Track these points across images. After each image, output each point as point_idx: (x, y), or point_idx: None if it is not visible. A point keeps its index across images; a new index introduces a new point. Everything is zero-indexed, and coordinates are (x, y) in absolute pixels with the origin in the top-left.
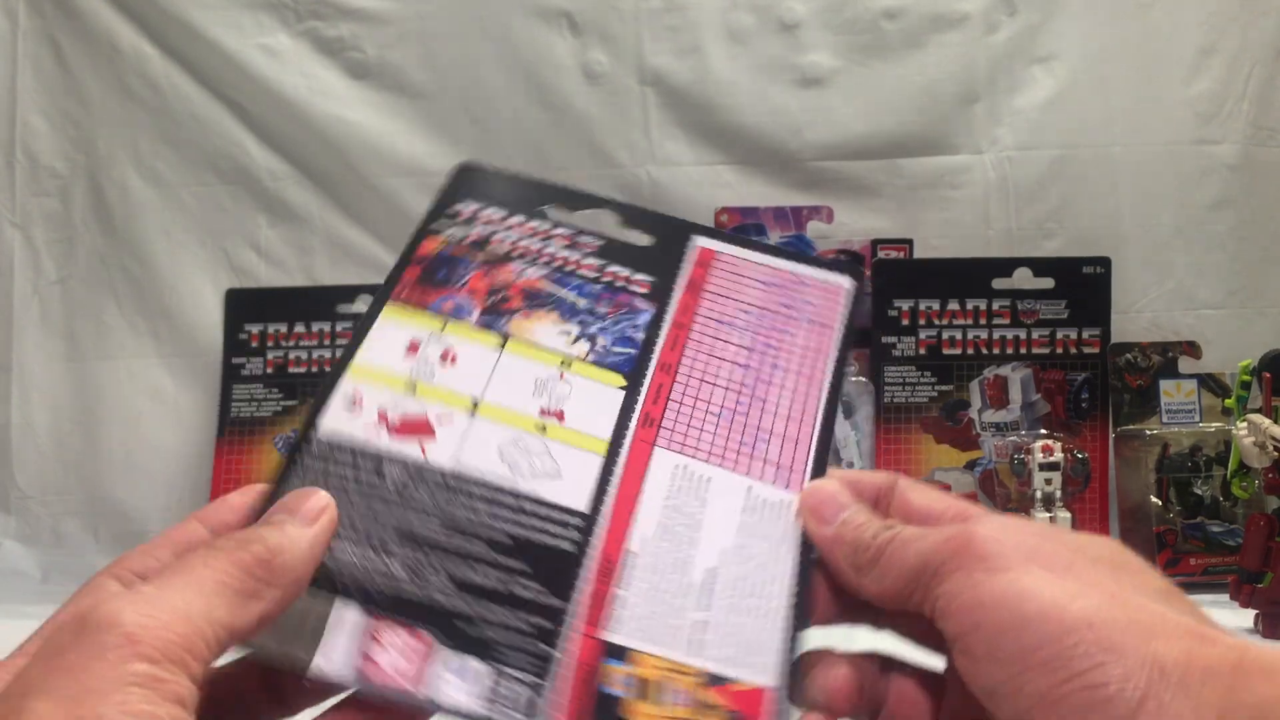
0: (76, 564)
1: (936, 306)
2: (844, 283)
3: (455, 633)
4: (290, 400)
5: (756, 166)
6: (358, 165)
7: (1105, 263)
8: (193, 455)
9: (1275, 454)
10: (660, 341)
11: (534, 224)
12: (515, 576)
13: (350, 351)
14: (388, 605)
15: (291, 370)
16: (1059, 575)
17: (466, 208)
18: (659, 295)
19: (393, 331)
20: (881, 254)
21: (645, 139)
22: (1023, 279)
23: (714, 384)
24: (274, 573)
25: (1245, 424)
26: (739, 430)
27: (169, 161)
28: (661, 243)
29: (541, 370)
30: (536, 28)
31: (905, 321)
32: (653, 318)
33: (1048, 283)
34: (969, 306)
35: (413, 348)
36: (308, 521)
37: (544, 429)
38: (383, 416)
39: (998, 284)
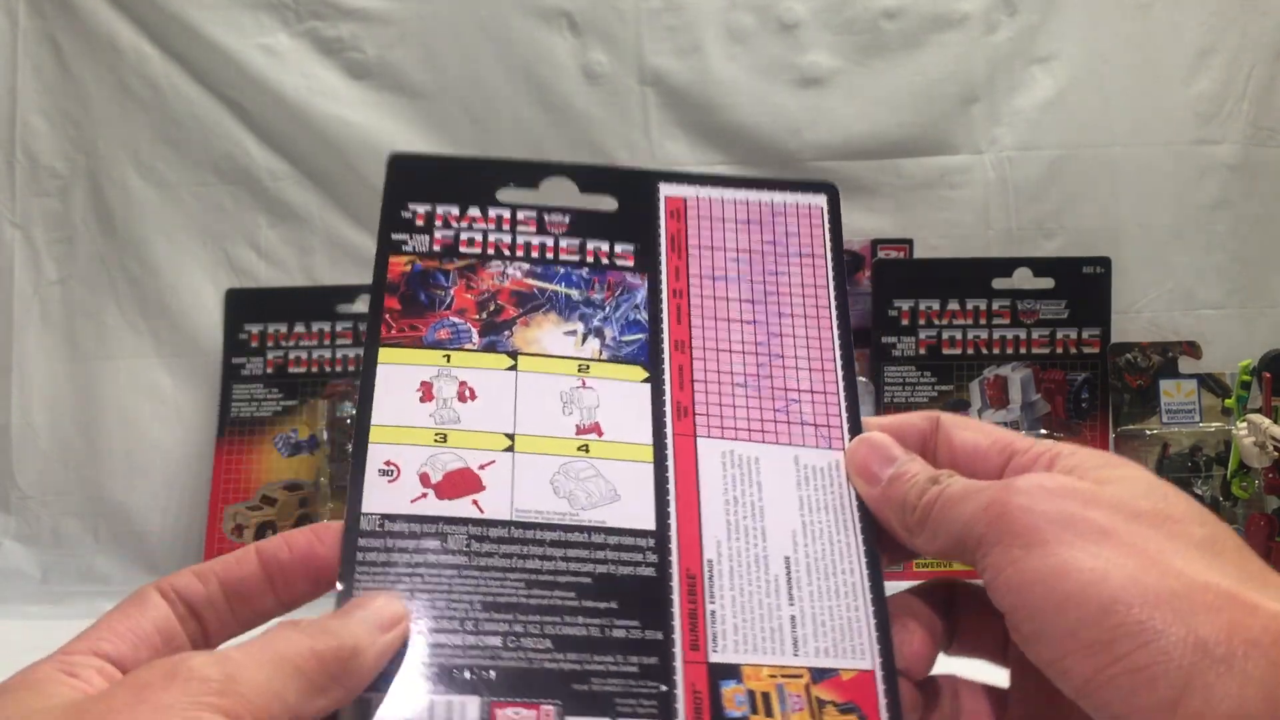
0: (76, 564)
1: (936, 306)
2: (819, 201)
3: (573, 696)
4: (290, 400)
5: (756, 166)
6: (358, 165)
7: (1105, 263)
8: (193, 455)
9: (1275, 454)
10: (665, 317)
11: (495, 212)
12: (609, 618)
13: (364, 414)
14: (502, 689)
15: (291, 370)
16: (1096, 543)
17: (419, 209)
18: (647, 263)
19: (398, 379)
20: (881, 254)
21: (645, 139)
22: (1023, 279)
23: (730, 350)
24: (345, 673)
25: (1245, 424)
26: (768, 396)
27: (169, 161)
28: (628, 202)
29: (562, 383)
30: (536, 28)
31: (905, 321)
32: (649, 291)
33: (1048, 283)
34: (969, 306)
35: (426, 392)
36: (383, 628)
37: (586, 449)
38: (425, 479)
39: (998, 284)
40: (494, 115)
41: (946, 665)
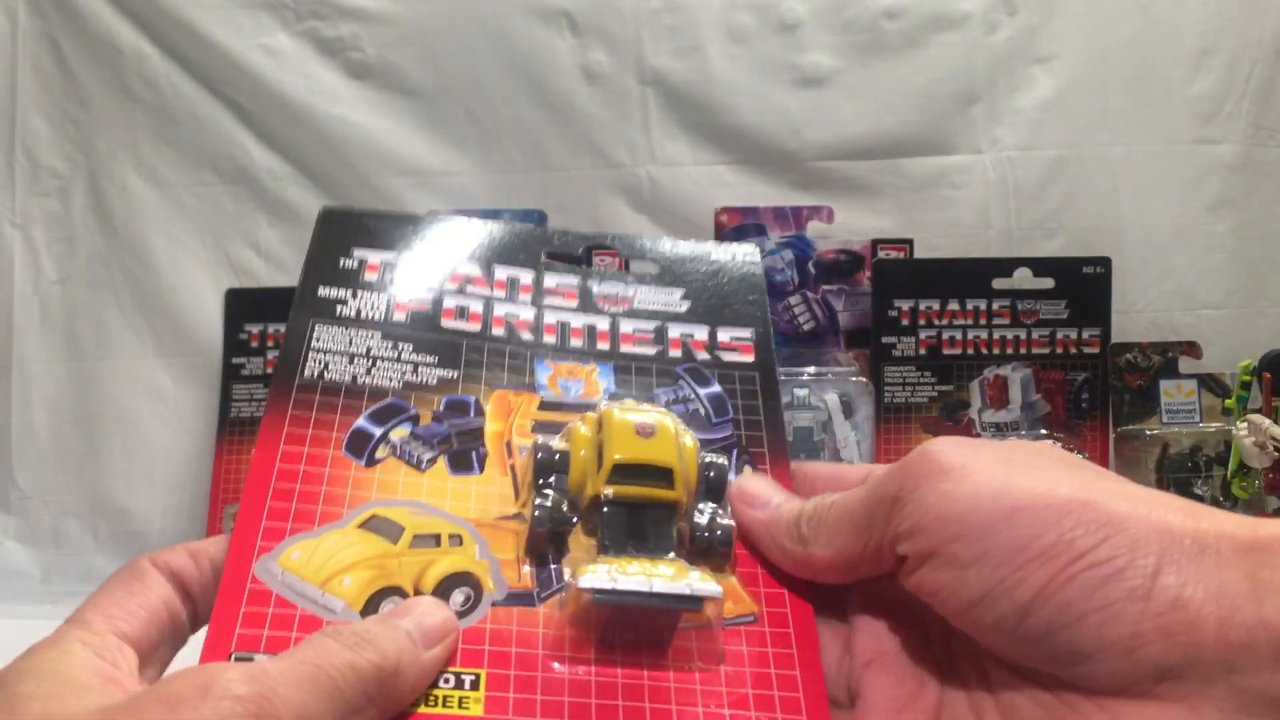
0: (76, 564)
1: (936, 306)
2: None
3: None
4: None
5: (756, 166)
6: (358, 165)
7: (1105, 263)
8: (193, 455)
9: (1275, 454)
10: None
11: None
12: None
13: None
14: None
15: None
16: (1028, 470)
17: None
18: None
19: None
20: (881, 254)
21: (645, 139)
22: (1023, 279)
23: None
24: (384, 691)
25: (1245, 424)
26: None
27: (169, 161)
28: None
29: None
30: (536, 28)
31: (905, 321)
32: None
33: (1048, 283)
34: (969, 306)
35: None
36: (428, 642)
37: None
38: None
39: (998, 284)
40: (494, 115)
41: None
